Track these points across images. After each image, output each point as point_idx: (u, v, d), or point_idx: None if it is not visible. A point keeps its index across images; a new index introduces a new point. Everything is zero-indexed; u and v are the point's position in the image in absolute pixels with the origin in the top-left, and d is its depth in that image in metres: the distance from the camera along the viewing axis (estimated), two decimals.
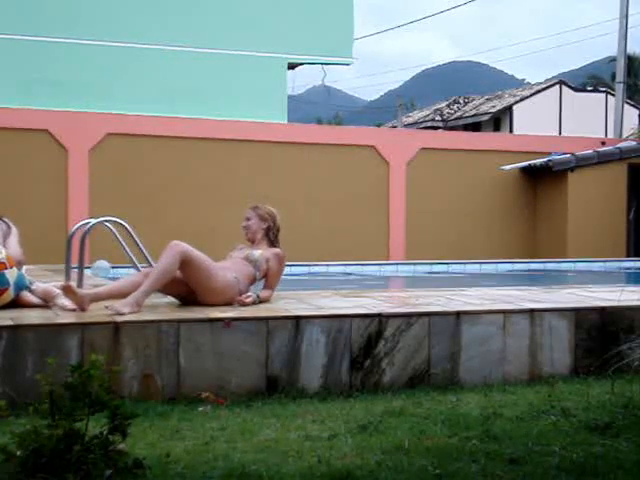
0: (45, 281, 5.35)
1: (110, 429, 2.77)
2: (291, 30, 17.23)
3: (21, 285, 4.91)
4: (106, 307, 4.59)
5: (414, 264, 12.88)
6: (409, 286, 10.97)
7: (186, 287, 5.03)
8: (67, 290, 4.64)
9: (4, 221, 5.34)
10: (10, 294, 4.83)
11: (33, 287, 4.99)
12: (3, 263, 4.83)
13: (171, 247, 4.87)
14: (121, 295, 4.84)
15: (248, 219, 5.66)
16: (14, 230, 5.32)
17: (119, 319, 4.34)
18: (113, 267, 8.79)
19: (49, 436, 2.68)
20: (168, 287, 5.00)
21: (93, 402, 2.74)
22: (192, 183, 13.22)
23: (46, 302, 4.89)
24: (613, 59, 26.88)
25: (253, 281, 5.32)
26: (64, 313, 4.61)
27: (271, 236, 5.63)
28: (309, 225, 13.69)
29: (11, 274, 4.85)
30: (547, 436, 3.52)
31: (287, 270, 5.71)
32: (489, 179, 14.97)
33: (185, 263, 4.87)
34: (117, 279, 5.61)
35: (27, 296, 4.92)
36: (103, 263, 8.46)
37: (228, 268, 5.20)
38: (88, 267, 8.73)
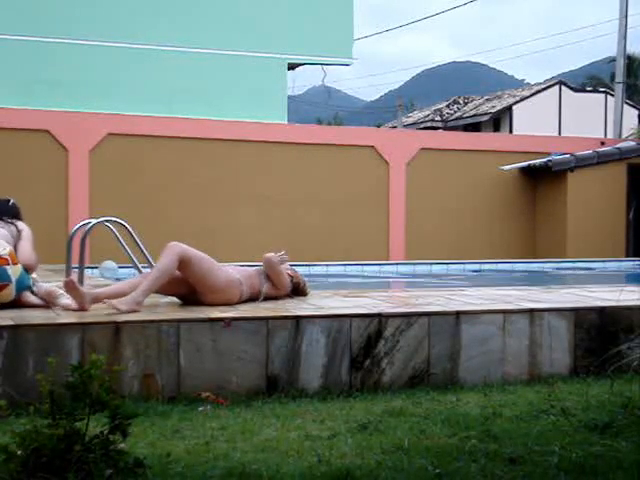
0: (46, 281, 5.33)
1: (111, 429, 2.78)
2: (291, 30, 17.24)
3: (23, 285, 4.88)
4: (104, 302, 4.62)
5: (414, 264, 12.88)
6: (409, 286, 10.97)
7: (187, 287, 5.04)
8: (69, 286, 4.64)
9: (13, 224, 5.24)
10: (11, 291, 4.80)
11: (35, 289, 4.97)
12: (5, 258, 4.78)
13: (169, 248, 4.90)
14: (122, 297, 4.86)
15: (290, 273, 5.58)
16: (26, 234, 5.20)
17: (119, 319, 4.34)
18: (119, 267, 8.78)
19: (50, 436, 2.68)
20: (169, 287, 5.01)
21: (94, 402, 2.74)
22: (192, 183, 13.22)
23: (48, 303, 4.88)
24: (613, 59, 26.89)
25: (256, 293, 5.28)
26: (65, 313, 4.61)
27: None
28: (309, 225, 13.70)
29: (14, 271, 4.80)
30: (547, 436, 3.52)
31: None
32: (489, 179, 14.97)
33: (184, 263, 4.89)
34: (123, 280, 5.61)
35: (28, 296, 4.91)
36: (110, 264, 8.46)
37: (236, 270, 5.22)
38: (94, 267, 8.74)
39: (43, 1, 15.74)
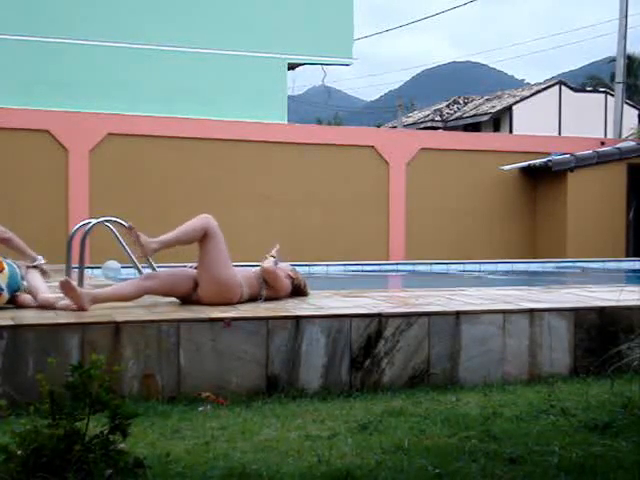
0: (45, 281, 5.30)
1: (110, 429, 2.78)
2: (291, 30, 17.24)
3: (15, 285, 4.83)
4: (129, 227, 5.06)
5: (414, 264, 12.88)
6: (409, 286, 10.97)
7: (191, 284, 5.04)
8: (65, 286, 4.63)
9: None
10: (4, 298, 4.79)
11: (25, 284, 4.92)
12: None
13: (202, 216, 5.13)
14: (121, 299, 4.87)
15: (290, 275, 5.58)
16: None
17: (119, 319, 4.33)
18: (123, 267, 8.75)
19: (50, 436, 2.68)
20: (170, 286, 5.02)
21: (94, 402, 2.74)
22: (192, 183, 13.22)
23: (46, 308, 4.85)
24: (613, 59, 26.89)
25: (256, 294, 5.29)
26: (65, 313, 4.61)
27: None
28: (309, 225, 13.70)
29: (2, 278, 4.76)
30: (547, 436, 3.52)
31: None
32: (489, 179, 14.97)
33: (207, 236, 5.01)
34: (126, 280, 5.63)
35: (25, 297, 4.89)
36: (113, 264, 8.42)
37: (238, 271, 5.24)
38: (94, 267, 8.71)
39: (43, 1, 15.74)
